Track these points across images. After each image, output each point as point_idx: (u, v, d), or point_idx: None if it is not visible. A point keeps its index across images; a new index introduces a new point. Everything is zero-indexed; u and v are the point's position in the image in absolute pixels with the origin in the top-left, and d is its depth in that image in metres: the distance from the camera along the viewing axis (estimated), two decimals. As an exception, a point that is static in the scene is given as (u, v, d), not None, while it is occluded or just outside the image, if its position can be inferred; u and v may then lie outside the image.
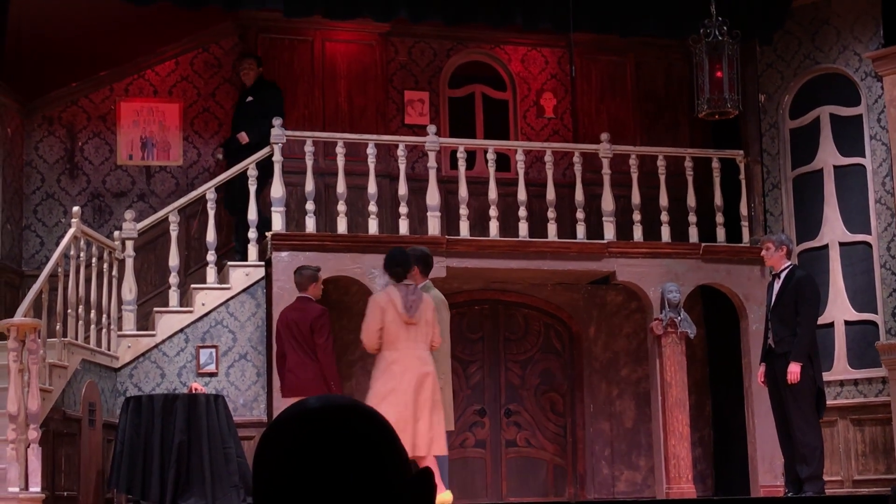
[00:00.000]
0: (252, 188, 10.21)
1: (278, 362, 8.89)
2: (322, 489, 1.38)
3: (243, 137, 10.81)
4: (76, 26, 11.23)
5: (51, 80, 11.29)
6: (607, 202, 11.02)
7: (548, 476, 11.52)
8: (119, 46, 11.48)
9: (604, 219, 11.02)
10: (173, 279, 10.11)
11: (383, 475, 1.40)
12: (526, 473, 11.46)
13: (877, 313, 10.47)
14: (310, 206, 10.30)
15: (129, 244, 10.08)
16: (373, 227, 10.42)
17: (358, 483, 1.39)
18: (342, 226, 10.36)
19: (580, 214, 11.01)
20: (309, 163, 10.37)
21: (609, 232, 10.97)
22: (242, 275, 10.22)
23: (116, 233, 10.17)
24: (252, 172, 10.26)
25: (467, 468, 11.33)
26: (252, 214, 10.19)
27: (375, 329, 8.08)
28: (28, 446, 7.52)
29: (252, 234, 10.27)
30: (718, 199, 11.30)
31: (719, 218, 11.27)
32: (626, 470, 11.49)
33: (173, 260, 10.12)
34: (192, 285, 10.30)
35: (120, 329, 9.91)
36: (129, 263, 10.04)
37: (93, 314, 9.43)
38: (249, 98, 11.03)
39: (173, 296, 10.11)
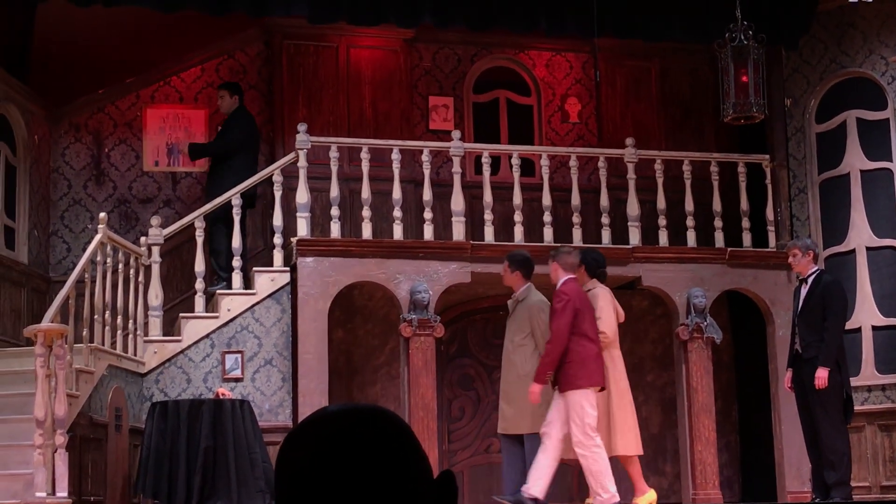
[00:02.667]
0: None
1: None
2: (344, 493, 1.38)
3: (185, 153, 10.94)
4: (102, 34, 11.30)
5: (77, 87, 11.36)
6: (632, 207, 11.00)
7: (573, 481, 11.49)
8: (145, 54, 11.54)
9: (629, 224, 10.99)
10: (199, 285, 10.15)
11: (405, 479, 1.40)
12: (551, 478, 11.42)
13: (904, 318, 10.40)
14: (335, 211, 10.32)
15: (156, 250, 10.12)
16: (397, 232, 10.43)
17: (380, 487, 1.39)
18: (367, 231, 10.37)
19: (605, 219, 10.98)
20: (334, 168, 10.39)
21: (634, 237, 10.95)
22: (268, 280, 10.24)
23: (143, 238, 10.21)
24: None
25: (492, 474, 11.31)
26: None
27: (616, 323, 8.37)
28: (55, 451, 7.55)
29: (277, 239, 10.30)
30: (744, 204, 11.26)
31: (745, 223, 11.22)
32: (653, 475, 11.44)
33: (199, 266, 10.15)
34: (218, 291, 10.33)
35: (146, 334, 9.95)
36: (156, 269, 10.08)
37: (119, 320, 9.47)
38: (219, 128, 11.05)
39: (199, 301, 10.14)
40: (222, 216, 10.44)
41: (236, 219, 10.22)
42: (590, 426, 8.03)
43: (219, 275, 10.61)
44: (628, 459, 8.60)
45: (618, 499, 8.08)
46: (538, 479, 8.04)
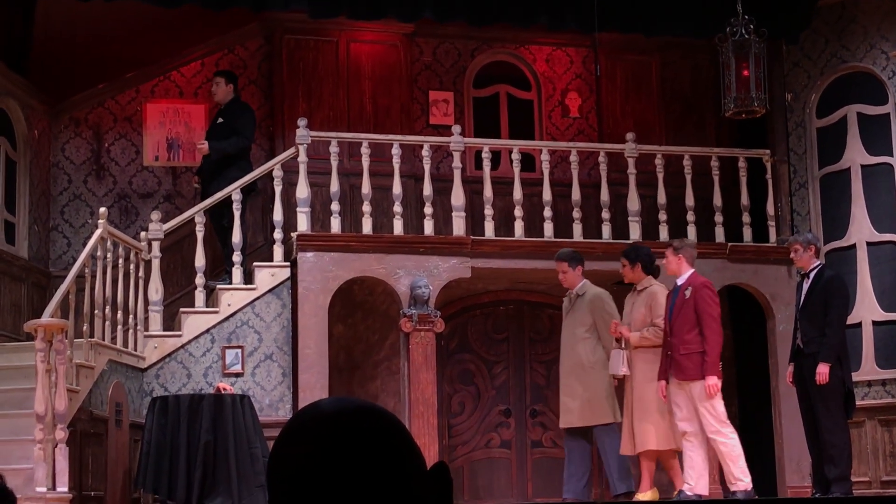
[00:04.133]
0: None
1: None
2: (338, 490, 1.37)
3: (204, 148, 10.65)
4: (102, 29, 11.29)
5: (77, 81, 11.35)
6: (633, 202, 10.99)
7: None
8: (145, 48, 11.54)
9: (629, 219, 10.99)
10: (199, 280, 10.14)
11: (399, 474, 1.40)
12: (551, 474, 11.43)
13: (905, 313, 10.40)
14: (335, 206, 10.32)
15: (156, 245, 10.11)
16: (398, 227, 10.43)
17: (374, 483, 1.38)
18: (367, 226, 10.37)
19: (605, 214, 10.98)
20: (334, 163, 10.38)
21: (635, 232, 10.94)
22: (268, 275, 10.24)
23: (143, 233, 10.21)
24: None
25: (493, 469, 11.32)
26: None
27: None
28: (55, 446, 7.55)
29: (278, 234, 10.30)
30: (745, 199, 11.25)
31: (746, 218, 11.22)
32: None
33: (199, 260, 10.15)
34: (218, 286, 10.33)
35: (146, 329, 9.95)
36: (156, 264, 10.07)
37: (119, 315, 9.47)
38: (220, 120, 10.81)
39: (199, 296, 10.14)
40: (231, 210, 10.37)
41: (237, 214, 10.20)
42: (723, 413, 8.14)
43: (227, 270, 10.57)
44: (662, 454, 8.60)
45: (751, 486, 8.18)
46: (699, 477, 8.14)
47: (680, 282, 8.47)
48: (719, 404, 8.14)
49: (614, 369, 8.51)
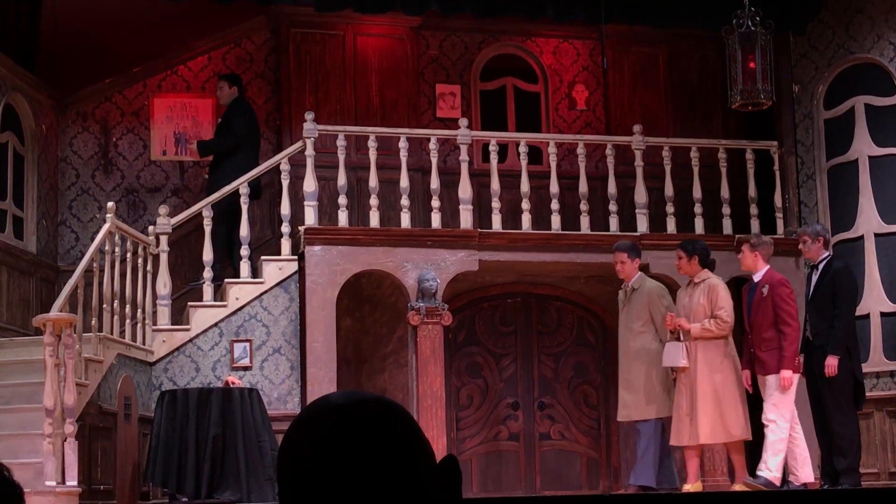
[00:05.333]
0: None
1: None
2: (349, 485, 1.38)
3: (193, 148, 10.92)
4: (109, 23, 11.31)
5: (84, 76, 11.37)
6: (640, 194, 10.98)
7: (582, 469, 11.50)
8: (152, 43, 11.54)
9: (637, 211, 10.98)
10: (207, 274, 10.16)
11: (408, 468, 1.40)
12: (560, 466, 11.45)
13: (913, 305, 10.39)
14: (342, 200, 10.32)
15: (164, 239, 10.13)
16: (405, 220, 10.43)
17: (385, 477, 1.39)
18: (374, 219, 10.37)
19: (613, 207, 10.97)
20: (341, 157, 10.39)
21: (642, 224, 10.94)
22: (276, 269, 10.25)
23: (151, 228, 10.22)
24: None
25: (501, 461, 11.33)
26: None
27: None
28: (64, 440, 7.58)
29: (285, 228, 10.31)
30: (752, 191, 11.24)
31: (753, 210, 11.20)
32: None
33: (207, 255, 10.16)
34: (226, 279, 10.34)
35: (155, 323, 9.97)
36: (164, 258, 10.09)
37: (128, 309, 9.49)
38: (219, 120, 11.02)
39: (207, 290, 10.15)
40: (231, 209, 10.41)
41: (244, 208, 10.22)
42: (787, 408, 8.28)
43: (234, 266, 10.58)
44: (730, 445, 8.65)
45: (779, 482, 8.30)
46: (802, 466, 8.34)
47: (756, 278, 8.56)
48: (788, 398, 8.29)
49: (673, 361, 8.54)
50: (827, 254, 8.98)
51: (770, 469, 8.17)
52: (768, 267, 8.62)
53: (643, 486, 8.71)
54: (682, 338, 8.55)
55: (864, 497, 6.30)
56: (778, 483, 8.22)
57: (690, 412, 8.48)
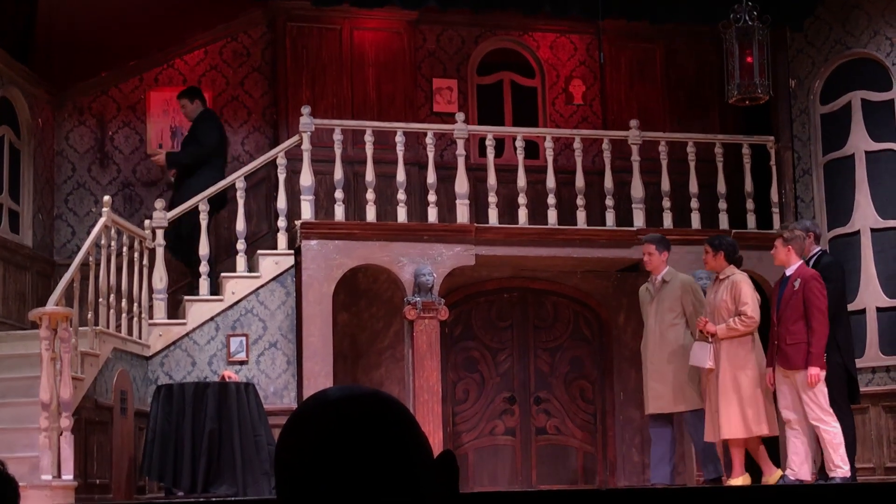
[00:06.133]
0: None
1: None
2: (346, 480, 1.38)
3: (160, 159, 10.72)
4: (105, 16, 11.28)
5: (81, 70, 11.34)
6: (637, 189, 10.99)
7: (578, 463, 11.51)
8: (148, 36, 11.52)
9: (633, 206, 10.98)
10: (203, 268, 10.15)
11: (405, 463, 1.40)
12: (556, 461, 11.46)
13: (909, 300, 10.40)
14: (339, 194, 10.32)
15: (160, 233, 10.12)
16: (401, 215, 10.43)
17: (382, 473, 1.39)
18: (371, 214, 10.37)
19: (609, 201, 10.97)
20: (338, 151, 10.38)
21: (638, 219, 10.94)
22: (272, 263, 10.24)
23: (147, 222, 10.21)
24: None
25: (497, 456, 11.34)
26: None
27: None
28: (60, 434, 7.57)
29: (281, 222, 10.31)
30: (749, 186, 11.24)
31: (750, 204, 11.21)
32: (657, 457, 11.45)
33: (203, 249, 10.15)
34: (223, 274, 10.34)
35: (151, 318, 9.96)
36: (160, 252, 10.08)
37: (124, 303, 9.48)
38: (186, 134, 10.85)
39: (203, 284, 10.15)
40: (196, 224, 10.28)
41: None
42: (826, 402, 8.26)
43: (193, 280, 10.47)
44: (747, 441, 8.65)
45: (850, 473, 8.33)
46: (802, 463, 8.34)
47: (788, 272, 8.54)
48: (823, 393, 8.27)
49: (699, 362, 8.54)
50: (818, 249, 9.01)
51: (840, 465, 8.20)
52: (801, 262, 8.60)
53: (712, 479, 8.71)
54: (710, 339, 8.57)
55: (859, 492, 6.29)
56: (849, 475, 8.26)
57: (716, 408, 8.51)
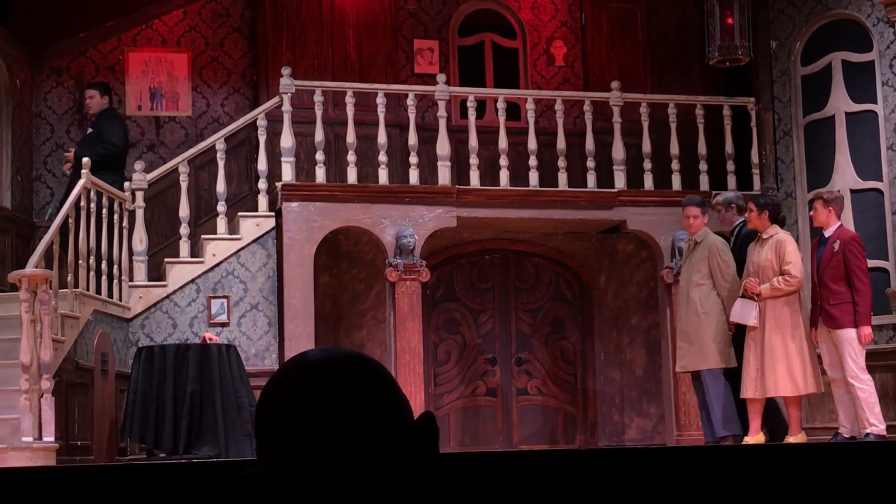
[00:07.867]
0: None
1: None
2: (327, 442, 1.38)
3: (69, 156, 10.36)
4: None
5: (59, 30, 11.24)
6: (618, 151, 10.99)
7: (558, 424, 11.57)
8: (127, -4, 11.42)
9: (614, 167, 10.99)
10: (184, 230, 10.13)
11: (386, 423, 1.41)
12: (537, 421, 11.52)
13: (888, 260, 10.45)
14: (320, 156, 10.29)
15: (140, 195, 10.08)
16: (383, 177, 10.41)
17: (362, 434, 1.39)
18: (352, 176, 10.35)
19: (591, 163, 10.98)
20: (318, 113, 10.35)
21: (619, 181, 10.95)
22: (253, 225, 10.23)
23: (126, 184, 10.17)
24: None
25: (479, 416, 11.39)
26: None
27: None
28: (41, 396, 7.57)
29: (262, 184, 10.28)
30: (729, 147, 11.26)
31: (730, 166, 11.23)
32: (637, 417, 11.53)
33: (183, 210, 10.13)
34: (203, 236, 10.32)
35: (131, 280, 9.94)
36: (140, 214, 10.05)
37: (104, 265, 9.46)
38: (90, 130, 10.52)
39: (184, 246, 10.13)
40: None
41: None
42: (863, 361, 8.34)
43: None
44: (788, 399, 8.70)
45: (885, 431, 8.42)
46: (853, 420, 8.43)
47: (828, 234, 8.56)
48: (862, 353, 8.35)
49: (743, 318, 8.51)
50: (740, 220, 9.04)
51: (875, 423, 8.27)
52: (840, 223, 8.63)
53: (732, 435, 8.71)
54: (755, 298, 8.59)
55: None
56: (885, 433, 8.34)
57: (760, 366, 8.53)
